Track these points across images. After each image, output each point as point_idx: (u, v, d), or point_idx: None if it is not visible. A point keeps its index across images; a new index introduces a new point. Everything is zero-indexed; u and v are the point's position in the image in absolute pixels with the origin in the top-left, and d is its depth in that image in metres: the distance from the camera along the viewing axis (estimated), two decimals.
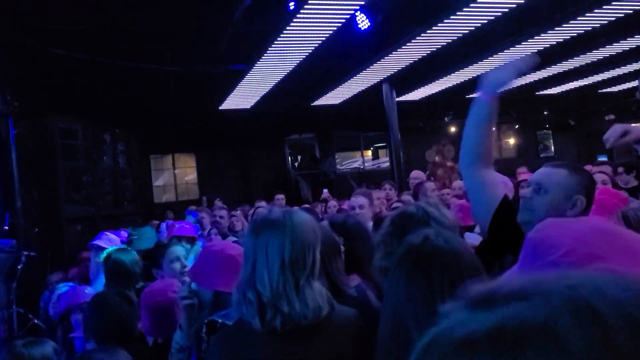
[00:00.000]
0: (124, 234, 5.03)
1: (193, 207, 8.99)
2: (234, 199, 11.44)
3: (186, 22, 7.66)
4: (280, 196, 7.62)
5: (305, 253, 1.52)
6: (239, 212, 6.63)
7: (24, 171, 7.34)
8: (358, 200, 3.83)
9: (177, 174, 15.24)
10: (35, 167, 7.84)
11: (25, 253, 6.53)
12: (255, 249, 1.52)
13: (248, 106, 11.52)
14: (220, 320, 1.76)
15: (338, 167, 16.27)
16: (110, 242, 4.59)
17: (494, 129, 2.03)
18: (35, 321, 5.73)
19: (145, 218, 9.87)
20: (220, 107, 11.37)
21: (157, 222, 7.49)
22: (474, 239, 2.66)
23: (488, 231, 1.96)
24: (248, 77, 9.17)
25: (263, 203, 7.07)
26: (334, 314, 1.56)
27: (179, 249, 3.14)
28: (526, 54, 2.11)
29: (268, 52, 7.82)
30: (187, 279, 2.84)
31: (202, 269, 2.10)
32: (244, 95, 10.66)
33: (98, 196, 9.18)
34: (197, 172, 15.11)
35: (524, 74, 2.04)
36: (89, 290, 3.35)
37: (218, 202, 7.99)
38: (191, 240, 4.42)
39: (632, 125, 1.98)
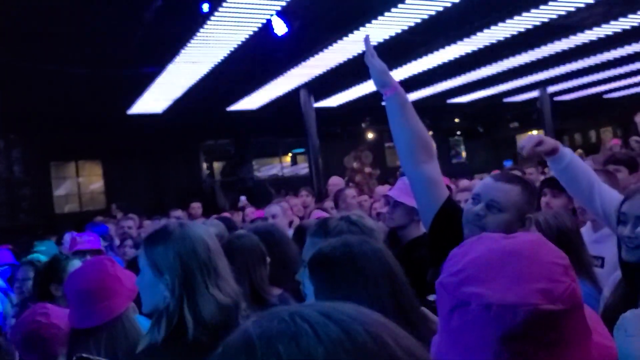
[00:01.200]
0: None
1: (100, 218, 8.41)
2: (146, 208, 10.87)
3: (93, 22, 7.14)
4: (196, 205, 7.30)
5: (202, 260, 1.51)
6: (150, 222, 6.25)
7: None
8: (271, 209, 3.81)
9: (81, 183, 14.28)
10: None
11: None
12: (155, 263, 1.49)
13: (159, 110, 11.02)
14: (92, 357, 1.60)
15: (256, 173, 16.04)
16: None
17: (417, 119, 1.92)
18: None
19: (46, 230, 9.10)
20: (129, 112, 10.77)
21: (54, 237, 6.89)
22: None
23: (429, 233, 1.88)
24: (159, 80, 8.76)
25: (179, 212, 6.72)
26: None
27: (77, 264, 2.83)
28: (363, 39, 2.05)
29: (180, 54, 7.51)
30: None
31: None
32: (155, 99, 10.18)
33: None
34: (104, 181, 14.26)
35: (374, 53, 1.98)
36: None
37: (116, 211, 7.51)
38: (97, 254, 4.06)
39: (546, 137, 1.99)
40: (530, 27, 8.16)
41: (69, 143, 12.18)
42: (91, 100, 9.92)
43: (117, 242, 5.24)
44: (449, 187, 4.87)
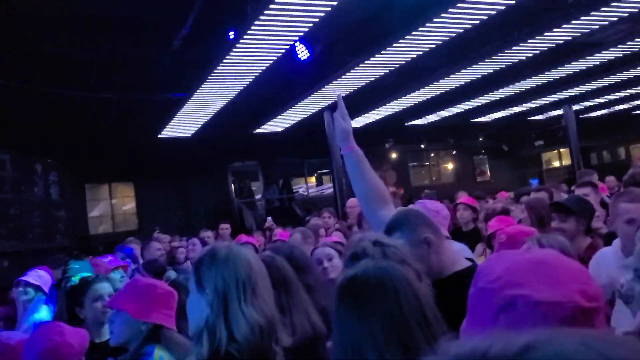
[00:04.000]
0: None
1: (131, 239, 8.66)
2: (176, 229, 11.13)
3: (124, 50, 7.51)
4: (225, 226, 7.45)
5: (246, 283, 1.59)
6: (182, 242, 6.42)
7: None
8: (292, 237, 3.85)
9: (114, 204, 14.70)
10: None
11: None
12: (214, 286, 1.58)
13: (189, 134, 11.35)
14: None
15: (283, 194, 16.24)
16: (39, 279, 4.33)
17: (372, 172, 2.21)
18: None
19: (81, 250, 9.42)
20: (159, 136, 11.13)
21: (89, 257, 7.14)
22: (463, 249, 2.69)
23: None
24: (188, 105, 9.05)
25: (209, 233, 6.89)
26: None
27: (103, 287, 2.91)
28: (336, 98, 2.33)
29: (208, 80, 7.77)
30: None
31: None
32: (184, 124, 10.50)
33: (26, 229, 8.69)
34: (135, 202, 14.63)
35: (346, 113, 2.24)
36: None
37: (156, 234, 7.71)
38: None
39: None
40: (553, 45, 8.18)
41: (103, 166, 12.62)
42: (123, 125, 10.31)
43: (141, 262, 5.41)
44: (474, 209, 4.89)
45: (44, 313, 3.98)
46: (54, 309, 3.95)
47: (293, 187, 16.69)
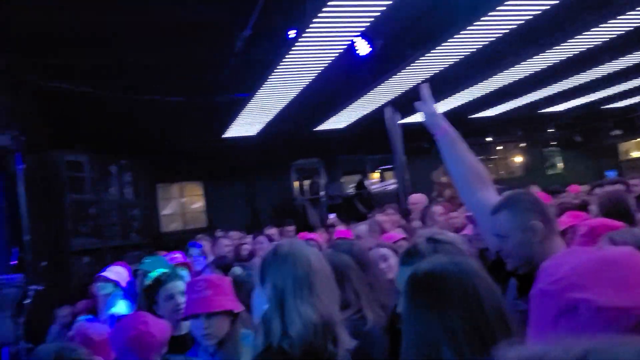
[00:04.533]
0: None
1: (200, 236, 8.97)
2: (243, 226, 11.41)
3: (189, 54, 7.77)
4: (291, 228, 7.48)
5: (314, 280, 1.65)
6: (248, 239, 6.58)
7: (32, 205, 7.39)
8: (357, 229, 3.83)
9: (184, 203, 15.26)
10: (43, 201, 7.89)
11: (33, 288, 6.52)
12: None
13: (253, 133, 11.59)
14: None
15: (345, 190, 16.25)
16: (117, 275, 4.58)
17: (468, 153, 2.14)
18: None
19: (154, 247, 9.86)
20: (224, 135, 11.44)
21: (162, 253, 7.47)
22: None
23: (495, 253, 2.03)
24: (251, 105, 9.25)
25: (273, 230, 7.02)
26: None
27: (177, 285, 3.00)
28: (422, 86, 2.33)
29: (269, 79, 7.89)
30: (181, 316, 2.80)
31: None
32: (248, 123, 10.74)
33: (105, 228, 9.20)
34: (204, 200, 15.12)
35: (429, 98, 2.26)
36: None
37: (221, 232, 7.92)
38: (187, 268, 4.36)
39: None
40: (630, 28, 7.69)
41: (173, 166, 13.13)
42: (190, 126, 10.69)
43: (211, 258, 5.59)
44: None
45: (121, 307, 4.21)
46: (132, 303, 4.16)
47: (352, 185, 16.68)
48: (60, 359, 1.89)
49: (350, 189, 15.82)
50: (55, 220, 8.17)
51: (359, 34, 6.76)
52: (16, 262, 6.96)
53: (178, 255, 4.39)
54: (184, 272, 4.10)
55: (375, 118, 10.94)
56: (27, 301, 6.38)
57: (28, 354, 6.15)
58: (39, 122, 8.53)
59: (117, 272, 4.59)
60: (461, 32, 6.98)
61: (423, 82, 2.32)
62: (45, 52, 7.07)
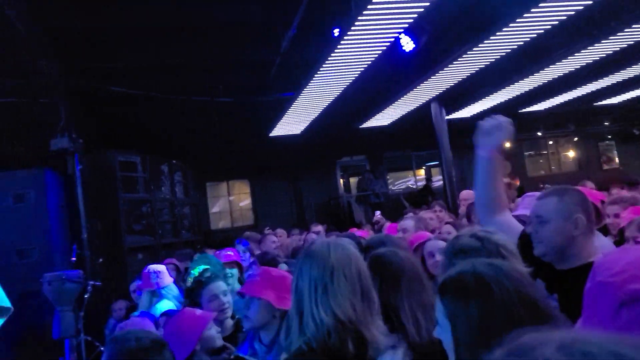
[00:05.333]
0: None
1: (248, 233, 9.13)
2: (289, 224, 11.56)
3: (235, 55, 7.93)
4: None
5: (369, 282, 1.63)
6: (295, 236, 6.67)
7: (89, 204, 7.73)
8: (403, 223, 3.81)
9: (232, 201, 15.57)
10: (98, 200, 8.23)
11: (91, 283, 6.82)
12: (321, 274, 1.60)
13: (298, 132, 11.69)
14: (247, 357, 1.84)
15: (391, 187, 16.16)
16: (161, 273, 4.72)
17: (501, 181, 2.27)
18: (102, 349, 5.94)
19: (203, 244, 10.13)
20: (270, 134, 11.60)
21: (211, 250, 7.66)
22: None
23: (522, 236, 2.12)
24: (296, 104, 9.33)
25: (319, 227, 7.07)
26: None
27: (219, 285, 3.01)
28: (508, 121, 2.32)
29: (315, 78, 7.94)
30: (227, 315, 2.86)
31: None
32: (293, 122, 10.84)
33: (157, 226, 9.50)
34: (251, 198, 15.38)
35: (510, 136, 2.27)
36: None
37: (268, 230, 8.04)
38: (238, 267, 4.43)
39: None
40: None
41: (221, 165, 13.44)
42: (237, 125, 10.90)
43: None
44: (600, 203, 4.56)
45: (168, 303, 4.37)
46: (181, 297, 4.30)
47: (398, 182, 16.58)
48: (139, 341, 2.01)
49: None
50: (110, 218, 8.50)
51: (403, 30, 6.70)
52: (75, 258, 7.31)
53: (230, 253, 4.49)
54: (234, 271, 4.17)
55: (420, 114, 10.84)
56: (86, 296, 6.69)
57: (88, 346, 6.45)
58: (94, 125, 8.91)
59: (161, 271, 4.71)
60: (510, 25, 6.81)
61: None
62: (99, 58, 7.39)
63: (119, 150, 8.94)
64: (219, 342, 2.51)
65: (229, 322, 2.96)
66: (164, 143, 10.70)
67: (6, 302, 2.65)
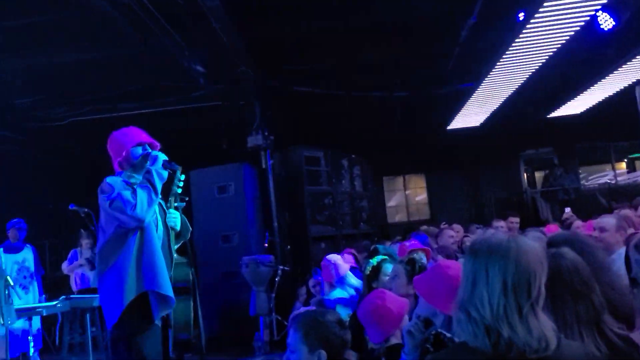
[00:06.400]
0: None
1: (424, 227, 9.12)
2: (466, 219, 11.23)
3: (413, 49, 7.94)
4: (515, 219, 7.12)
5: (530, 280, 1.46)
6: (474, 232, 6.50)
7: (278, 196, 8.47)
8: (602, 221, 3.39)
9: (408, 195, 15.64)
10: (286, 192, 8.97)
11: (281, 267, 7.50)
12: (474, 269, 1.52)
13: (477, 124, 11.27)
14: (448, 335, 1.83)
15: (583, 182, 14.67)
16: (339, 262, 4.99)
17: None
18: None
19: (380, 236, 10.39)
20: (448, 127, 11.37)
21: (388, 242, 7.82)
22: None
23: None
24: (476, 94, 9.00)
25: (501, 223, 6.79)
26: (561, 349, 1.44)
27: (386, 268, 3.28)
28: None
29: (497, 67, 7.58)
30: None
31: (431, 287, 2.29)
32: (472, 113, 10.48)
33: (338, 217, 10.00)
34: (427, 193, 15.28)
35: None
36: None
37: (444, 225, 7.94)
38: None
39: None
40: None
41: (397, 159, 13.59)
42: (414, 119, 10.90)
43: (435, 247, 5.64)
44: None
45: (341, 292, 4.63)
46: (359, 287, 4.51)
47: (592, 176, 14.95)
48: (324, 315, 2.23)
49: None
50: (296, 209, 9.21)
51: (600, 7, 6.04)
52: (267, 244, 8.09)
53: (415, 242, 4.59)
54: (422, 256, 4.24)
55: (621, 100, 9.66)
56: (277, 279, 7.36)
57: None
58: (283, 122, 9.70)
59: (338, 262, 4.95)
60: None
61: None
62: (286, 60, 8.01)
63: (304, 146, 9.61)
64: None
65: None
66: (345, 138, 11.19)
67: (170, 292, 3.01)
